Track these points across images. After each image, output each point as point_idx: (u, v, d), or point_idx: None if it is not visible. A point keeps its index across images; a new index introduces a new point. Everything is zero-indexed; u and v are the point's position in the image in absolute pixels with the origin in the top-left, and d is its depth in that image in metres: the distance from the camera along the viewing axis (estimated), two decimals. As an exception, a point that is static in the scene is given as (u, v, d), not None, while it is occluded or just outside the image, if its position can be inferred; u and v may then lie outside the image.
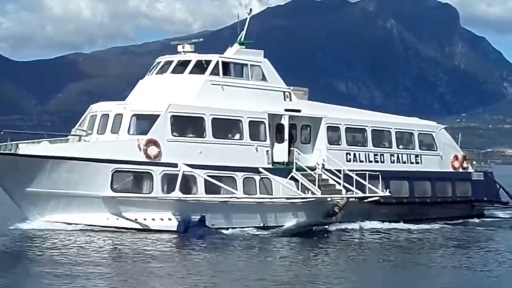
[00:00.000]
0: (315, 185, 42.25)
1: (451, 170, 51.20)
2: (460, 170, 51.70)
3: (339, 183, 43.24)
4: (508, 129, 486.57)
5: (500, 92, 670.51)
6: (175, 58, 43.40)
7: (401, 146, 49.30)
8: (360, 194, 43.51)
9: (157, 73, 43.37)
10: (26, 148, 37.20)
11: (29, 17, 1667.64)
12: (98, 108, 41.60)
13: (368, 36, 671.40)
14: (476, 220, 49.40)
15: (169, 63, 43.24)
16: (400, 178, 47.46)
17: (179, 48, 43.91)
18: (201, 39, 45.82)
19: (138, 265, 29.44)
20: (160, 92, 41.59)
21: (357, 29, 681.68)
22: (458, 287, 27.83)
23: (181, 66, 42.61)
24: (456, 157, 51.71)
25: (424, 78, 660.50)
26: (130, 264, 29.78)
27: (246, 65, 43.76)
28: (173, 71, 42.60)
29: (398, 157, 48.62)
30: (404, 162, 48.86)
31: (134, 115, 39.48)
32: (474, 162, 55.92)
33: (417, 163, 49.58)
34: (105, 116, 40.09)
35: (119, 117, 39.35)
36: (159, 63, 43.77)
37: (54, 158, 36.24)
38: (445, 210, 48.83)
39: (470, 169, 52.85)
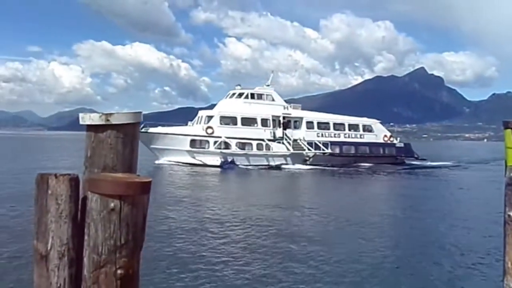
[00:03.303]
0: (292, 147, 34.33)
1: (382, 141, 39.85)
2: (388, 142, 40.23)
3: (305, 145, 34.68)
4: (466, 126, 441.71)
5: (463, 110, 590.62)
6: (232, 92, 36.67)
7: (351, 130, 38.81)
8: (313, 151, 34.54)
9: (225, 98, 36.94)
10: (151, 129, 32.66)
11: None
12: (199, 113, 35.92)
13: (407, 91, 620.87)
14: (397, 166, 37.54)
15: (229, 94, 36.70)
16: (349, 144, 37.61)
17: (237, 87, 37.08)
18: (239, 85, 37.24)
19: (202, 179, 25.55)
20: (222, 106, 35.55)
21: (400, 87, 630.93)
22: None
23: (234, 95, 36.09)
24: (385, 135, 40.29)
25: (429, 107, 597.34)
26: (198, 178, 26.07)
27: (263, 94, 36.17)
28: (230, 97, 36.20)
29: (349, 135, 38.42)
30: (352, 137, 38.52)
31: (207, 115, 34.08)
32: (398, 138, 43.39)
33: (361, 138, 38.92)
34: (200, 117, 34.75)
35: (203, 117, 34.21)
36: (228, 94, 37.15)
37: (162, 134, 31.93)
38: (378, 160, 37.80)
39: (395, 141, 40.92)
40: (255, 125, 34.32)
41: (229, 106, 34.71)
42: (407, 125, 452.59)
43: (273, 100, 36.29)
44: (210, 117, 33.74)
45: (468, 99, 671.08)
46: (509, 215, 2.04)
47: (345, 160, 36.04)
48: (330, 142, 35.93)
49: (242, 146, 33.02)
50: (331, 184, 25.52)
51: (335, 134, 37.78)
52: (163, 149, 31.85)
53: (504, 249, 2.09)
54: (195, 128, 33.14)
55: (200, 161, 31.85)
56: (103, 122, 1.82)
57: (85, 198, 1.81)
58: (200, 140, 32.49)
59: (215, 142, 32.42)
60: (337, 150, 36.55)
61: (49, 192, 1.82)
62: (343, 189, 23.00)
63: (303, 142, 34.75)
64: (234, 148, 32.72)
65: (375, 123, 41.49)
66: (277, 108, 35.73)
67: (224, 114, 33.90)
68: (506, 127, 2.42)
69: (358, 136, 39.31)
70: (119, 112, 1.83)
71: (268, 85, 37.69)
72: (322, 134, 36.88)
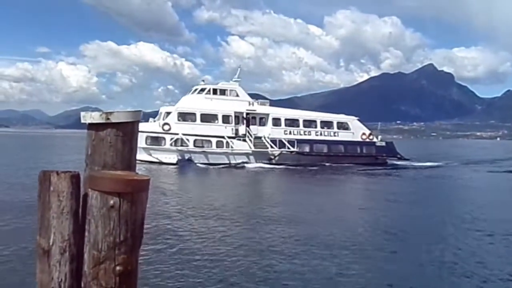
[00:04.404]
0: (253, 144, 33.09)
1: (360, 140, 38.21)
2: (367, 140, 38.57)
3: (269, 143, 33.46)
4: (477, 124, 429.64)
5: (475, 108, 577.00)
6: (195, 87, 35.50)
7: (324, 128, 37.41)
8: (277, 149, 33.28)
9: (188, 94, 35.77)
10: None
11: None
12: (160, 109, 34.78)
13: (415, 88, 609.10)
14: (376, 167, 35.49)
15: (193, 89, 35.50)
16: (321, 143, 36.20)
17: (201, 83, 36.01)
18: (204, 78, 37.08)
19: (156, 177, 24.05)
20: (183, 102, 34.38)
21: (408, 85, 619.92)
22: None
23: (196, 90, 34.93)
24: (364, 134, 38.59)
25: (438, 105, 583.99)
26: (153, 175, 24.55)
27: (227, 89, 35.04)
28: (192, 93, 35.06)
29: (321, 133, 37.01)
30: (325, 135, 37.11)
31: (166, 112, 33.03)
32: (380, 136, 41.29)
33: (335, 136, 37.44)
34: (160, 113, 33.64)
35: (163, 113, 33.04)
36: (191, 90, 35.87)
37: None
38: (355, 159, 36.23)
39: (375, 140, 39.14)
40: (216, 121, 33.44)
41: (189, 102, 33.77)
42: (415, 123, 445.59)
43: (237, 95, 35.31)
44: (168, 113, 32.96)
45: (480, 96, 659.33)
46: None
47: (316, 160, 34.97)
48: (298, 140, 34.81)
49: (200, 143, 32.19)
50: (289, 185, 24.59)
51: (305, 132, 36.59)
52: None
53: None
54: (152, 125, 32.36)
55: (156, 158, 31.15)
56: (103, 121, 1.88)
57: (86, 195, 1.87)
58: (156, 137, 31.64)
59: (171, 139, 31.48)
60: (306, 149, 35.37)
61: (51, 188, 1.88)
62: (301, 190, 21.87)
63: (266, 139, 33.76)
64: (191, 146, 31.74)
65: (352, 120, 40.06)
66: (241, 104, 34.75)
67: (182, 110, 33.03)
68: None
69: (332, 134, 38.00)
70: (119, 111, 1.88)
71: (236, 80, 36.65)
72: (290, 132, 35.74)
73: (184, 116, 32.76)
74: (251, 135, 33.57)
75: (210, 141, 32.33)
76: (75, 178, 1.89)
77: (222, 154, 32.52)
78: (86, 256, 1.82)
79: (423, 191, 22.16)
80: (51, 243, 1.87)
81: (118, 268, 1.78)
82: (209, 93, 34.18)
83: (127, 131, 1.91)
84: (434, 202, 18.41)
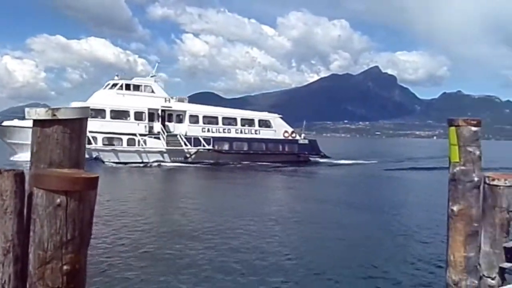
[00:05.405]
0: (166, 142, 32.58)
1: (283, 138, 38.84)
2: (290, 138, 39.28)
3: (183, 141, 33.13)
4: (417, 124, 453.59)
5: (415, 108, 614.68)
6: (107, 82, 34.30)
7: (245, 125, 37.70)
8: (193, 147, 33.13)
9: (102, 89, 34.37)
10: (5, 122, 29.84)
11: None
12: (71, 105, 33.22)
13: (361, 89, 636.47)
14: (300, 164, 36.32)
15: (105, 84, 34.35)
16: (240, 140, 36.36)
17: (115, 78, 34.73)
18: (117, 75, 35.12)
19: None
20: (94, 97, 33.01)
21: (355, 86, 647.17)
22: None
23: (108, 85, 33.81)
24: (286, 131, 39.25)
25: (382, 105, 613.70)
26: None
27: (141, 85, 34.23)
28: (104, 88, 33.86)
29: (241, 131, 37.25)
30: (246, 133, 37.40)
31: None
32: (303, 135, 42.22)
33: (256, 134, 37.84)
34: None
35: None
36: (103, 85, 34.64)
37: (18, 127, 28.74)
38: (276, 157, 36.60)
39: (298, 137, 40.00)
40: (127, 118, 32.54)
41: (99, 97, 32.57)
42: (361, 123, 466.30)
43: (152, 92, 34.64)
44: (75, 110, 31.06)
45: (420, 97, 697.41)
46: (452, 210, 2.31)
47: (235, 158, 35.14)
48: (214, 137, 34.84)
49: (109, 141, 31.14)
50: (198, 184, 24.48)
51: (224, 129, 36.62)
52: (22, 144, 28.73)
53: (447, 242, 2.26)
54: None
55: None
56: (49, 117, 1.82)
57: (31, 194, 1.82)
58: None
59: None
60: (225, 147, 35.37)
61: None
62: (208, 189, 21.88)
63: (181, 137, 33.44)
64: (99, 143, 30.63)
65: (274, 118, 40.65)
66: (155, 101, 34.08)
67: (91, 106, 31.19)
68: (450, 125, 2.48)
69: (253, 131, 38.26)
70: (66, 107, 1.84)
71: (152, 76, 36.01)
72: (208, 129, 35.60)
73: (93, 113, 31.16)
74: (164, 133, 33.08)
75: (120, 139, 31.40)
76: (18, 177, 1.83)
77: (134, 152, 31.74)
78: (31, 256, 1.79)
79: (333, 188, 22.96)
80: None
81: (65, 267, 1.76)
82: (122, 89, 33.21)
83: (75, 128, 1.86)
84: (339, 198, 19.11)
